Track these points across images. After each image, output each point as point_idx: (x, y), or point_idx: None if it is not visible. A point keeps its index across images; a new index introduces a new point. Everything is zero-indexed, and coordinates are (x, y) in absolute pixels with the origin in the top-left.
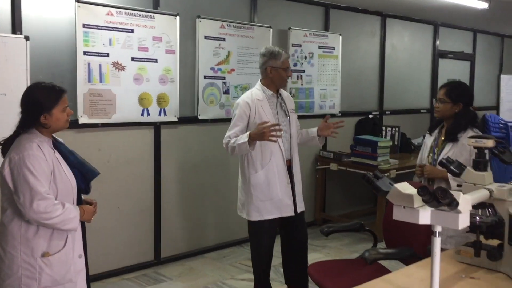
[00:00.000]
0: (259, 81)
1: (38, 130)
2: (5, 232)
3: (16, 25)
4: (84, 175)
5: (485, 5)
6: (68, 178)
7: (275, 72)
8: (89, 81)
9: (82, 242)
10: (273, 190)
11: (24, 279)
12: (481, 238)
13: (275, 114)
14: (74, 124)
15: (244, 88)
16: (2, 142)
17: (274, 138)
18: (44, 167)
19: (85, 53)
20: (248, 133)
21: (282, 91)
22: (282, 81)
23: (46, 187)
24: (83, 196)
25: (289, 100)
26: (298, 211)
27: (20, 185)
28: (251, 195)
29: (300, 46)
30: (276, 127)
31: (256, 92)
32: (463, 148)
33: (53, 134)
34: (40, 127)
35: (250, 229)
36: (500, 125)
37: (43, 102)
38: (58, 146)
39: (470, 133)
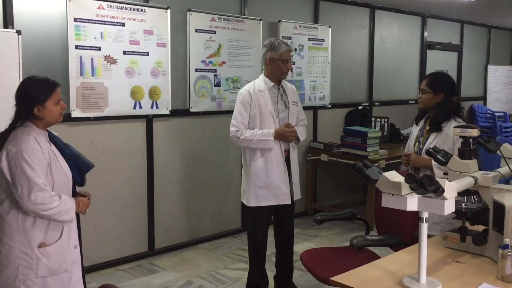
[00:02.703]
0: (262, 72)
1: (33, 123)
2: (2, 223)
3: (8, 20)
4: (79, 167)
5: None
6: (64, 171)
7: (274, 63)
8: (81, 74)
9: (77, 233)
10: (270, 178)
11: (22, 269)
12: (467, 224)
13: (275, 105)
14: (67, 118)
15: (235, 81)
16: None
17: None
18: (41, 159)
19: (76, 47)
20: (272, 131)
21: (286, 83)
22: (281, 73)
23: (43, 179)
24: (77, 188)
25: (291, 92)
26: (295, 199)
27: (18, 177)
28: (250, 181)
29: (290, 38)
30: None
31: (259, 82)
32: (447, 137)
33: (48, 128)
34: (35, 120)
35: (247, 216)
36: (487, 115)
37: (37, 94)
38: (53, 139)
39: (453, 123)
